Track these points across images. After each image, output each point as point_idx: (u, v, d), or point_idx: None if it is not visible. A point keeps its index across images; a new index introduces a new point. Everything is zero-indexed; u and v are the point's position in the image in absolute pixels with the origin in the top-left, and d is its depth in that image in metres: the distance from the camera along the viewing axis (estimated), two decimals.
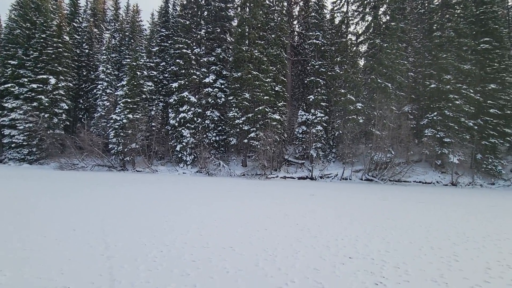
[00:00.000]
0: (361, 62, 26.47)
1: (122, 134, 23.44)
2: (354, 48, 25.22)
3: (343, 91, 22.16)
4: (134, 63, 24.00)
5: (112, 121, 24.07)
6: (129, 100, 23.73)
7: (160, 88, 27.14)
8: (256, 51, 21.99)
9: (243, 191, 12.41)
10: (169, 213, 7.13)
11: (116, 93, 25.80)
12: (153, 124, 24.76)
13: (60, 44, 27.19)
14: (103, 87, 27.20)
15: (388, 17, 23.54)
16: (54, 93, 26.10)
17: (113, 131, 23.81)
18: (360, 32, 25.40)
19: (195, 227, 5.76)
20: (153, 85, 26.10)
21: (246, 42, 22.72)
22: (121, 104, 23.84)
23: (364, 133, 22.65)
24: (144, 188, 12.47)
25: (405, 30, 24.08)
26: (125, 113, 23.43)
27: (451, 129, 20.21)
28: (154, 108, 25.44)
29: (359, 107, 21.62)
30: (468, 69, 20.77)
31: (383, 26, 23.18)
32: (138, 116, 23.73)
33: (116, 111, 24.11)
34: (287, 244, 4.83)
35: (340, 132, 22.12)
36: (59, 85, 26.53)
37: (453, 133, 20.21)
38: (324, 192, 12.74)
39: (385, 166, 20.17)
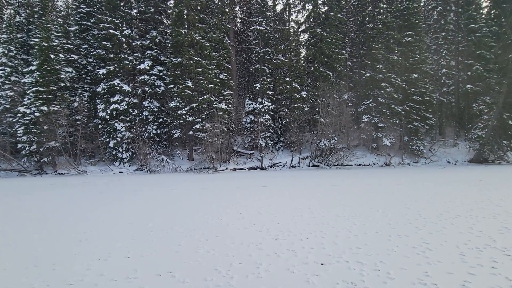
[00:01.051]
0: (304, 51, 26.92)
1: (35, 130, 19.29)
2: (297, 37, 25.43)
3: (288, 79, 22.09)
4: (46, 44, 19.70)
5: (20, 115, 19.55)
6: (41, 89, 19.53)
7: (84, 75, 23.04)
8: (197, 35, 20.18)
9: (189, 188, 11.06)
10: (86, 227, 5.44)
11: (23, 81, 20.98)
12: (77, 117, 20.99)
13: None
14: (6, 73, 21.83)
15: (326, 7, 24.23)
16: None
17: (23, 128, 19.41)
18: (301, 21, 25.72)
19: (121, 246, 4.29)
20: (74, 71, 22.01)
21: (186, 25, 20.65)
22: (31, 94, 19.51)
23: (309, 121, 23.14)
24: (58, 195, 10.04)
25: (342, 20, 25.17)
26: (37, 104, 19.26)
27: (383, 114, 22.01)
28: (77, 99, 21.50)
29: (304, 95, 21.90)
30: (396, 59, 22.75)
31: (323, 15, 23.74)
32: (56, 109, 19.78)
33: (25, 102, 19.65)
34: (244, 254, 3.88)
35: (287, 120, 22.14)
36: None
37: (385, 118, 22.05)
38: (276, 182, 12.26)
39: (330, 152, 20.96)
